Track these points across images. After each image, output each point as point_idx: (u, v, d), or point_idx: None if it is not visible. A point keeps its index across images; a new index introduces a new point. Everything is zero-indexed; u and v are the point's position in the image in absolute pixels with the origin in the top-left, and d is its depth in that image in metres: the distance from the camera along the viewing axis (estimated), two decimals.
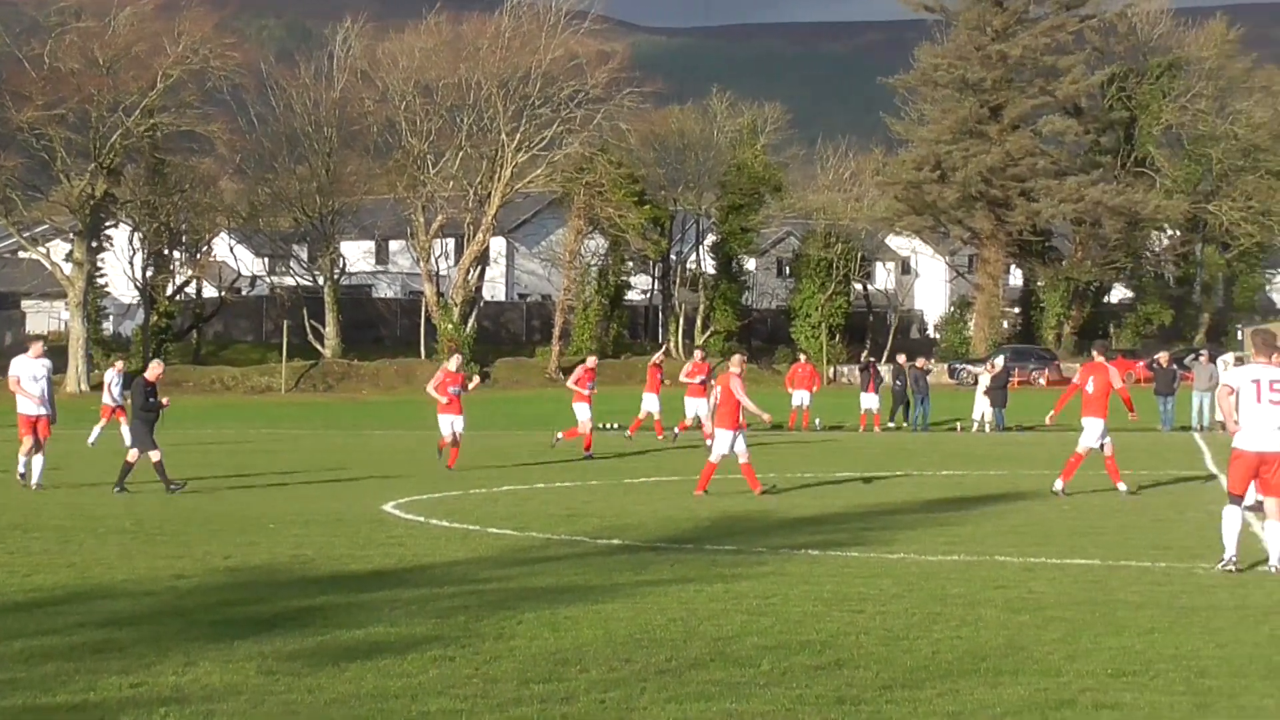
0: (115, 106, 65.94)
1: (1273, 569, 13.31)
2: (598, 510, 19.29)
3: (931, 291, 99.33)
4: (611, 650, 9.84)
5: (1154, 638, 10.33)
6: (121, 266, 72.99)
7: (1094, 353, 22.60)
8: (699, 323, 78.82)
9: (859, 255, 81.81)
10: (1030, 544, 15.39)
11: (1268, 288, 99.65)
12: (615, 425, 38.36)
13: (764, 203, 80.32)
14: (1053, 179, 78.57)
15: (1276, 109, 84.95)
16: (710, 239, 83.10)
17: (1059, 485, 21.01)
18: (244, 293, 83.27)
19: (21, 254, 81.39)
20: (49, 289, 76.94)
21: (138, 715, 8.20)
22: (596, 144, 71.86)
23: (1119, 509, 19.35)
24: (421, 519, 18.18)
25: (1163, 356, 43.80)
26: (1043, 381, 68.91)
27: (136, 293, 74.28)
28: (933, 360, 57.38)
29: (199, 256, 76.56)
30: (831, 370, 73.65)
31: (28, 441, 22.71)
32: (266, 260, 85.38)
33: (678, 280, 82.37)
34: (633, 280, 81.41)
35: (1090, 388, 21.32)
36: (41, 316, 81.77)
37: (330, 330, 75.39)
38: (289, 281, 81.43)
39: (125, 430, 32.74)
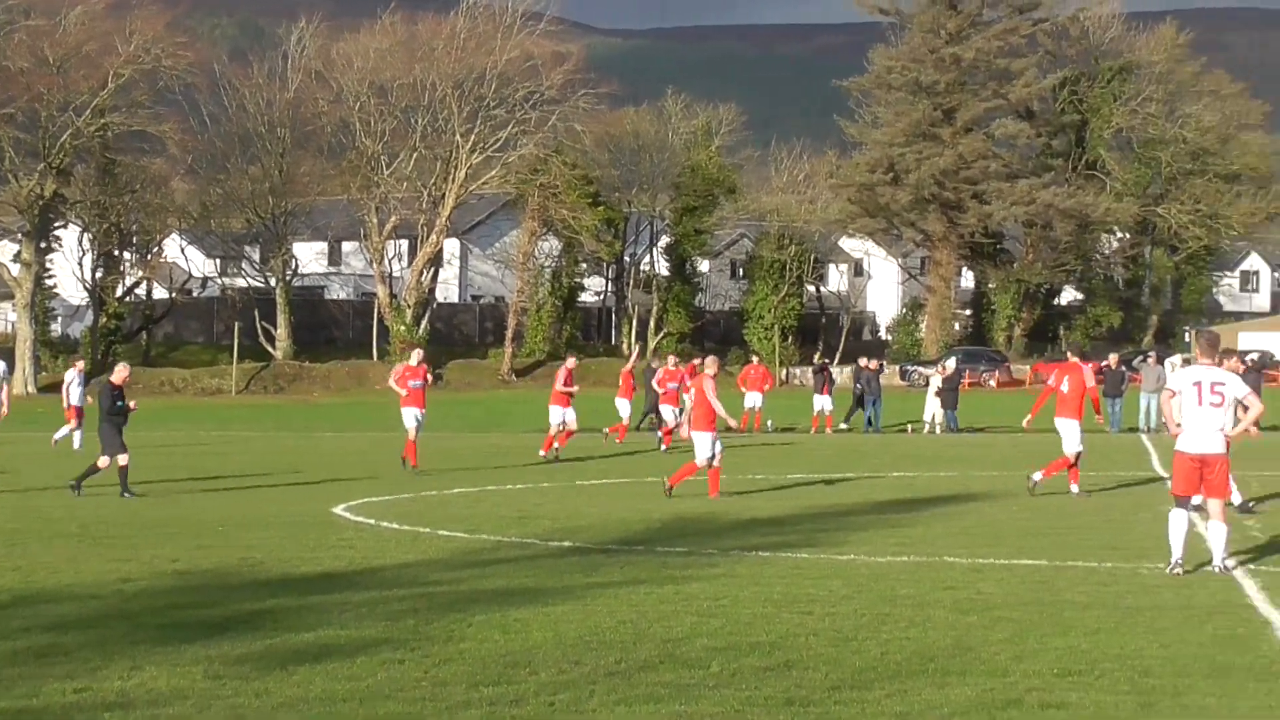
0: (65, 106, 65.43)
1: (1217, 569, 13.43)
2: (549, 512, 19.28)
3: (884, 293, 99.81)
4: (561, 652, 9.85)
5: (1099, 638, 10.41)
6: (70, 267, 72.39)
7: (1068, 353, 22.63)
8: (652, 324, 78.87)
9: (812, 257, 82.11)
10: (980, 545, 15.48)
11: (1215, 290, 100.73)
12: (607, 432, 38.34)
13: (718, 204, 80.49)
14: (1004, 182, 79.13)
15: (1225, 113, 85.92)
16: (664, 241, 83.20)
17: (1060, 484, 21.08)
18: (195, 294, 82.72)
19: None
20: None
21: None
22: (551, 145, 71.82)
23: (1069, 510, 19.48)
24: (372, 521, 18.11)
25: (1112, 358, 44.18)
26: (993, 383, 69.32)
27: (85, 294, 73.69)
28: (884, 361, 57.56)
29: (150, 257, 75.99)
30: (784, 372, 73.87)
31: None
32: (218, 261, 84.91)
33: (631, 282, 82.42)
34: (586, 282, 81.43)
35: (1065, 388, 21.46)
36: None
37: (282, 332, 74.98)
38: (240, 283, 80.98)
39: (66, 430, 32.59)
